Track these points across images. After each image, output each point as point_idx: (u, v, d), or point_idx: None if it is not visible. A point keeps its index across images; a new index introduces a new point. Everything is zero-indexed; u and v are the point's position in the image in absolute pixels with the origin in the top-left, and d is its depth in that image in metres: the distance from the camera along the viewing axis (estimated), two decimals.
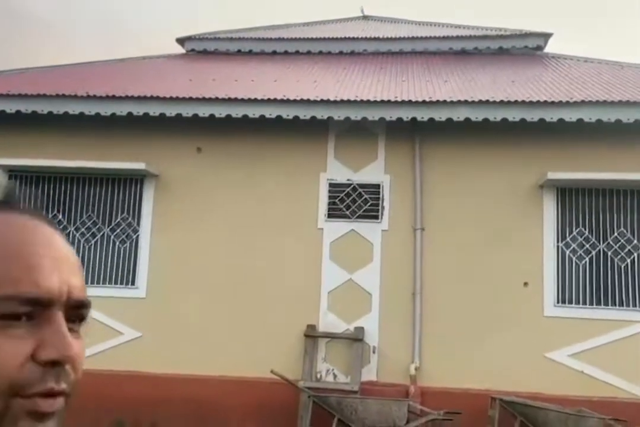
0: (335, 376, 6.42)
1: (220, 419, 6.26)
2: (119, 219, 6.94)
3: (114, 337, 6.65)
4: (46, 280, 0.61)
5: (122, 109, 6.61)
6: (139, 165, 6.69)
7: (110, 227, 6.93)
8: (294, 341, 6.43)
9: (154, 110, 6.57)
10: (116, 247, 6.89)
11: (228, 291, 6.64)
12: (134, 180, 6.95)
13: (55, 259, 0.63)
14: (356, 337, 6.40)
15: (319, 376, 6.44)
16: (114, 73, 8.44)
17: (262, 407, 6.17)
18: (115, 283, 6.80)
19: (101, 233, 6.92)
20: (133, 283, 6.78)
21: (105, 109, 6.64)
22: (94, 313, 6.74)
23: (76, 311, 0.64)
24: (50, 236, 0.65)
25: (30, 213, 0.66)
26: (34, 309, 0.60)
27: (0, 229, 0.63)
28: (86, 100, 6.64)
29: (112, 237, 6.91)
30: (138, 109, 6.58)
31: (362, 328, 6.45)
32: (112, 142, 6.97)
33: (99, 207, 6.96)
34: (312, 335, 6.45)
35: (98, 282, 6.79)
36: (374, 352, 6.45)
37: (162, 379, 6.40)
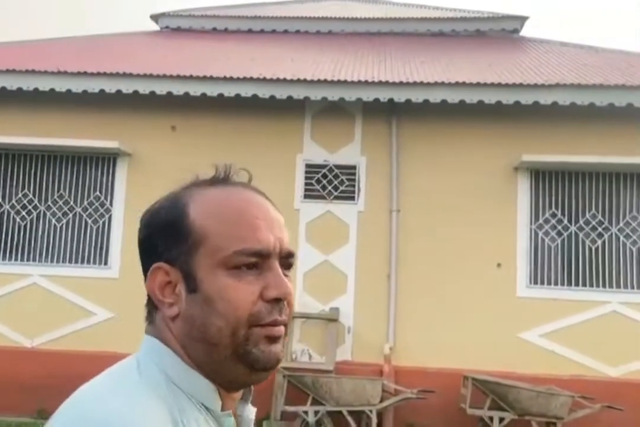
0: (310, 356, 6.45)
1: None
2: (91, 198, 6.82)
3: (87, 318, 6.58)
4: (264, 237, 0.80)
5: (94, 86, 6.47)
6: (112, 144, 6.57)
7: (82, 206, 6.82)
8: None
9: (127, 87, 6.43)
10: (88, 226, 6.78)
11: None
12: (106, 159, 6.83)
13: (268, 221, 0.82)
14: (331, 318, 6.43)
15: (294, 356, 6.46)
16: (85, 49, 8.24)
17: None
18: (88, 263, 6.70)
19: (73, 212, 6.80)
20: (106, 263, 6.70)
21: (77, 86, 6.48)
22: (66, 293, 6.69)
23: (286, 260, 0.83)
24: (262, 202, 0.85)
25: (243, 185, 0.87)
26: (258, 260, 0.79)
27: (225, 199, 0.83)
28: (57, 76, 6.48)
29: (84, 216, 6.80)
30: (110, 86, 6.44)
31: (338, 309, 6.47)
32: (84, 120, 6.83)
33: (70, 185, 6.83)
34: None
35: (70, 262, 6.69)
36: (348, 332, 6.49)
37: None
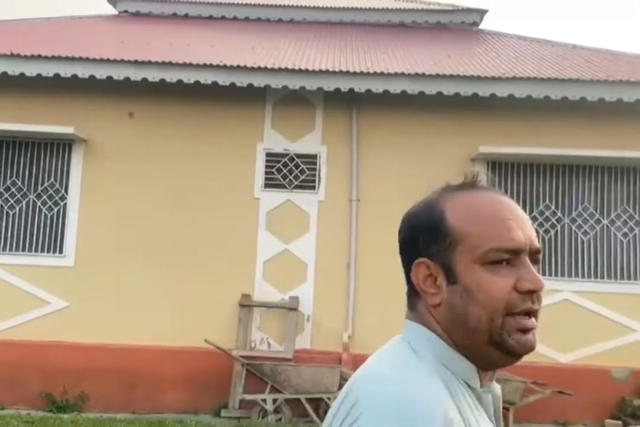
0: (269, 345, 6.47)
1: (151, 389, 6.21)
2: (45, 185, 6.66)
3: (40, 307, 6.45)
4: (516, 236, 0.89)
5: (48, 70, 6.30)
6: (67, 129, 6.41)
7: (36, 193, 6.65)
8: (228, 310, 6.42)
9: (83, 72, 6.29)
10: (42, 214, 6.63)
11: (161, 260, 6.53)
12: (61, 145, 6.67)
13: (519, 220, 0.91)
14: (291, 307, 6.45)
15: (253, 344, 6.47)
16: (40, 32, 8.01)
17: (195, 377, 6.15)
18: (42, 251, 6.56)
19: (26, 199, 6.64)
20: (61, 251, 6.56)
21: (31, 69, 6.30)
22: (19, 282, 6.52)
23: (535, 256, 0.91)
24: (511, 204, 0.94)
25: (490, 189, 0.97)
26: (511, 256, 0.88)
27: (478, 202, 0.93)
28: (10, 60, 6.28)
29: (39, 203, 6.64)
30: (66, 70, 6.29)
31: (297, 297, 6.50)
32: (38, 105, 6.65)
33: (24, 172, 6.65)
34: (246, 304, 6.45)
35: (23, 250, 6.53)
36: (308, 321, 6.52)
37: (92, 349, 6.27)
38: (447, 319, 0.92)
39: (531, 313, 0.90)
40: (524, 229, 0.91)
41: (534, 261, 0.91)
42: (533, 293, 0.89)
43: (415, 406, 0.80)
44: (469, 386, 0.91)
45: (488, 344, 0.89)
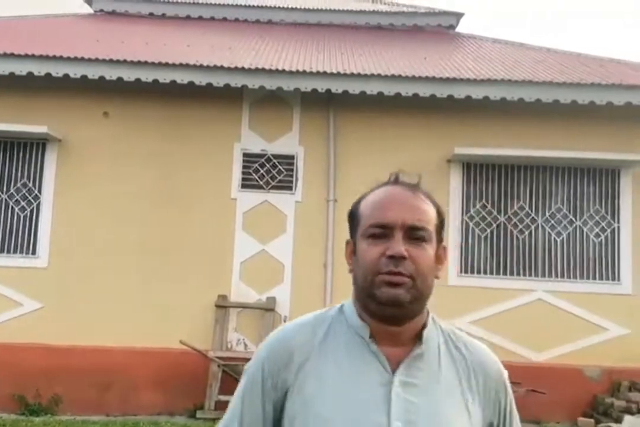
0: (246, 346, 6.45)
1: (126, 391, 6.15)
2: (18, 185, 6.57)
3: (13, 309, 6.35)
4: (388, 215, 1.14)
5: (21, 68, 6.22)
6: (41, 129, 6.33)
7: (9, 193, 6.55)
8: (204, 311, 6.38)
9: (57, 70, 6.22)
10: (15, 214, 6.53)
11: (136, 261, 6.48)
12: (35, 144, 6.58)
13: (397, 204, 1.15)
14: (268, 307, 6.44)
15: (229, 345, 6.44)
16: (13, 30, 7.90)
17: (170, 378, 6.11)
18: (15, 252, 6.46)
19: None
20: (34, 252, 6.47)
21: (3, 68, 6.23)
22: None
23: (412, 232, 1.13)
24: (399, 193, 1.18)
25: (398, 184, 1.21)
26: (385, 231, 1.13)
27: (377, 194, 1.19)
28: None
29: (11, 204, 6.54)
30: (39, 69, 6.21)
31: (274, 298, 6.49)
32: (11, 104, 6.56)
33: None
34: (223, 305, 6.42)
35: None
36: (284, 321, 6.50)
37: (65, 350, 6.19)
38: (353, 282, 1.19)
39: (396, 273, 1.11)
40: (399, 210, 1.14)
41: (414, 237, 1.13)
42: (394, 258, 1.11)
43: (266, 338, 1.24)
44: (361, 336, 1.16)
45: (367, 296, 1.14)
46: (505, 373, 1.22)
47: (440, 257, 1.19)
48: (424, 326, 1.17)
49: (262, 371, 1.19)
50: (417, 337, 1.16)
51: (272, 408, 1.17)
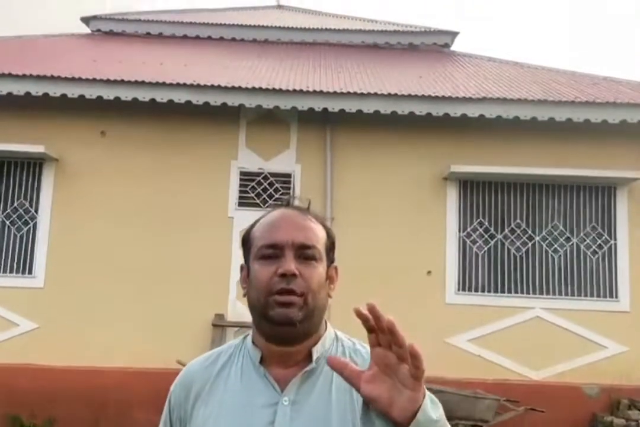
0: None
1: (122, 411, 6.09)
2: (15, 205, 6.56)
3: (8, 329, 6.31)
4: (277, 236, 1.17)
5: (19, 88, 6.25)
6: (38, 148, 6.34)
7: (5, 213, 6.54)
8: (201, 330, 6.35)
9: (55, 90, 6.24)
10: (12, 234, 6.51)
11: (133, 281, 6.45)
12: (32, 164, 6.59)
13: (286, 225, 1.18)
14: None
15: None
16: (11, 50, 7.95)
17: (166, 398, 6.04)
18: (11, 272, 6.43)
19: None
20: (30, 272, 6.44)
21: (1, 88, 6.25)
22: None
23: (301, 251, 1.17)
24: (289, 215, 1.21)
25: (293, 207, 1.24)
26: (275, 251, 1.16)
27: (270, 216, 1.22)
28: None
29: (8, 223, 6.53)
30: (37, 89, 6.24)
31: None
32: (8, 123, 6.58)
33: None
34: (220, 324, 6.39)
35: None
36: None
37: (61, 371, 6.13)
38: (249, 305, 1.20)
39: (288, 291, 1.13)
40: (289, 230, 1.17)
41: (304, 256, 1.17)
42: (286, 276, 1.13)
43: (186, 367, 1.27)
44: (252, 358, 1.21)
45: (261, 317, 1.16)
46: None
47: (332, 277, 1.25)
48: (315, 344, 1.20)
49: (169, 403, 1.27)
50: (309, 356, 1.19)
51: None
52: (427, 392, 1.04)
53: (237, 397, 1.18)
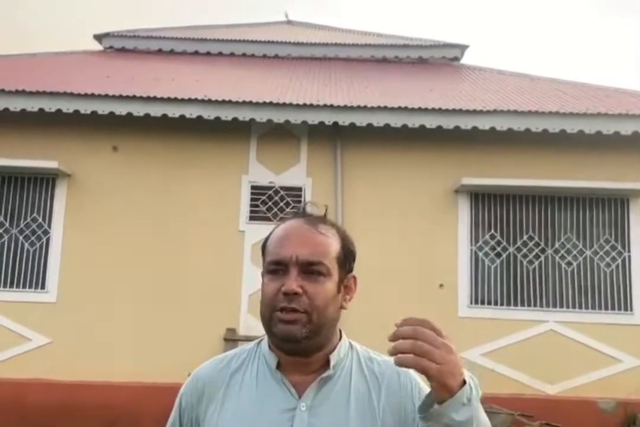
0: None
1: (134, 426, 6.07)
2: (28, 220, 6.61)
3: (21, 344, 6.32)
4: (282, 252, 1.16)
5: (33, 105, 6.33)
6: (51, 164, 6.40)
7: (19, 228, 6.60)
8: (213, 344, 6.33)
9: (68, 106, 6.32)
10: (25, 249, 6.56)
11: (145, 295, 6.46)
12: (45, 180, 6.65)
13: (293, 240, 1.17)
14: None
15: None
16: (25, 67, 8.07)
17: None
18: (24, 287, 6.46)
19: (9, 234, 6.57)
20: (43, 287, 6.47)
21: (15, 104, 6.33)
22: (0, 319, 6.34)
23: (307, 267, 1.15)
24: (298, 227, 1.19)
25: (303, 217, 1.22)
26: (281, 267, 1.16)
27: (281, 229, 1.21)
28: None
29: (21, 238, 6.58)
30: (50, 105, 6.32)
31: None
32: (22, 139, 6.65)
33: (6, 207, 6.61)
34: (231, 338, 6.37)
35: (5, 286, 6.44)
36: None
37: (73, 386, 6.13)
38: (260, 316, 1.20)
39: (290, 310, 1.13)
40: (293, 246, 1.16)
41: (309, 272, 1.15)
42: (288, 295, 1.13)
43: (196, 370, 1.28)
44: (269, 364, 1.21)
45: (269, 332, 1.17)
46: (413, 383, 1.21)
47: (349, 287, 1.23)
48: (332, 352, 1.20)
49: (180, 406, 1.26)
50: (327, 364, 1.19)
51: None
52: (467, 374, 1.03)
53: (254, 401, 1.17)
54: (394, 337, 1.01)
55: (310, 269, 1.15)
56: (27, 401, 6.05)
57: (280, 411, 1.15)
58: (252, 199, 6.72)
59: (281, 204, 6.73)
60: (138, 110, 6.34)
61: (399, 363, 0.98)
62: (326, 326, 1.16)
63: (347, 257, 1.23)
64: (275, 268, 1.16)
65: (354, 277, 1.25)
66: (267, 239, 1.23)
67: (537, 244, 6.68)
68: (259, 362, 1.22)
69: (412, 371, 1.18)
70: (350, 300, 1.24)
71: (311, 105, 6.45)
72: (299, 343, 1.13)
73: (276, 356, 1.20)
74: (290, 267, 1.15)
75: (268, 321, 1.16)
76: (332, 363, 1.19)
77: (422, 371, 0.99)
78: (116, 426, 6.09)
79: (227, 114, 6.38)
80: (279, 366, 1.19)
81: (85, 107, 6.32)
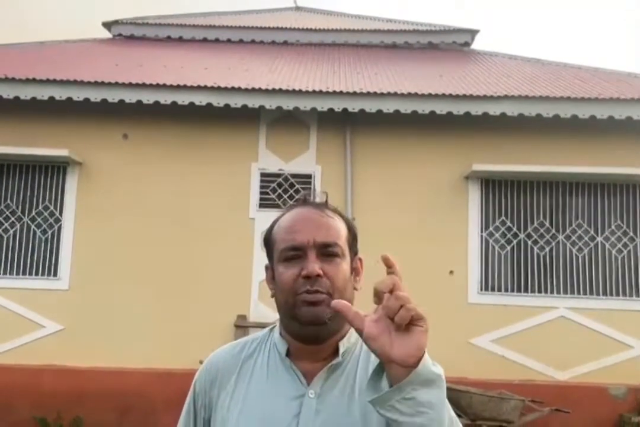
0: None
1: (147, 413, 6.14)
2: (39, 208, 6.65)
3: (35, 331, 6.40)
4: (298, 237, 1.16)
5: (43, 93, 6.34)
6: (62, 152, 6.43)
7: (31, 216, 6.64)
8: (224, 331, 6.38)
9: (78, 94, 6.32)
10: (37, 237, 6.61)
11: (156, 282, 6.51)
12: (56, 168, 6.68)
13: (306, 225, 1.18)
14: None
15: None
16: (35, 56, 8.07)
17: None
18: (37, 275, 6.52)
19: (21, 222, 6.63)
20: (55, 274, 6.53)
21: (26, 93, 6.34)
22: (13, 306, 6.45)
23: (324, 249, 1.17)
24: (308, 214, 1.20)
25: (308, 205, 1.23)
26: (298, 253, 1.16)
27: (288, 217, 1.21)
28: (4, 83, 6.32)
29: (33, 226, 6.63)
30: (61, 93, 6.32)
31: None
32: (33, 128, 6.68)
33: (18, 195, 6.65)
34: (242, 325, 6.41)
35: (17, 274, 6.49)
36: None
37: (86, 372, 6.21)
38: (276, 305, 1.21)
39: (313, 292, 1.13)
40: (308, 230, 1.17)
41: (327, 254, 1.17)
42: (310, 278, 1.13)
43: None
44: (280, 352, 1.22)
45: (290, 318, 1.17)
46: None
47: (357, 269, 1.25)
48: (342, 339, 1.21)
49: (194, 391, 1.29)
50: (336, 351, 1.20)
51: None
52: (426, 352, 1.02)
53: (263, 388, 1.19)
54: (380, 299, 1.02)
55: (327, 251, 1.16)
56: (41, 387, 6.13)
57: (289, 398, 1.17)
58: (261, 187, 6.73)
59: (291, 191, 6.73)
60: (147, 97, 6.34)
61: (400, 318, 0.97)
62: None
63: (354, 240, 1.25)
64: (292, 254, 1.16)
65: (360, 259, 1.27)
66: (271, 228, 1.24)
67: (548, 231, 6.65)
68: (270, 349, 1.24)
69: None
70: (360, 281, 1.26)
71: (320, 92, 6.42)
72: (324, 325, 1.14)
73: (286, 343, 1.21)
74: (308, 251, 1.15)
75: (291, 306, 1.15)
76: (341, 350, 1.20)
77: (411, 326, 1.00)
78: (130, 412, 6.17)
79: (236, 101, 6.37)
80: (288, 353, 1.21)
81: (95, 95, 6.33)
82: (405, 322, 0.97)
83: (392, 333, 0.98)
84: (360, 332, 1.01)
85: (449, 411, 1.05)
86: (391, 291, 0.99)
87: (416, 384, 0.97)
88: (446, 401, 1.03)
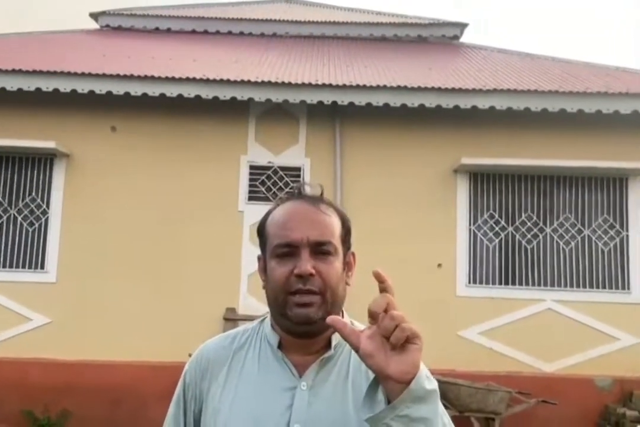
0: None
1: (135, 405, 6.14)
2: (26, 200, 6.60)
3: (22, 324, 6.36)
4: (291, 234, 1.15)
5: (29, 84, 6.27)
6: (49, 144, 6.37)
7: (17, 208, 6.59)
8: (213, 324, 6.37)
9: (65, 86, 6.27)
10: (23, 229, 6.56)
11: (144, 275, 6.48)
12: (43, 160, 6.63)
13: (300, 222, 1.16)
14: None
15: None
16: (21, 47, 7.98)
17: None
18: (23, 267, 6.48)
19: (7, 215, 6.57)
20: (42, 267, 6.49)
21: (12, 84, 6.27)
22: (0, 299, 6.38)
23: (318, 248, 1.15)
24: (302, 210, 1.18)
25: (304, 198, 1.21)
26: (291, 250, 1.15)
27: (282, 211, 1.20)
28: None
29: (20, 219, 6.57)
30: (47, 85, 6.26)
31: None
32: (19, 119, 6.61)
33: (4, 187, 6.59)
34: (231, 318, 6.41)
35: (4, 267, 6.45)
36: None
37: (74, 365, 6.19)
38: (267, 299, 1.20)
39: (305, 291, 1.13)
40: (302, 228, 1.15)
41: (321, 252, 1.16)
42: (302, 277, 1.13)
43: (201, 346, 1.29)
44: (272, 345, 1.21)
45: (280, 315, 1.17)
46: None
47: (349, 264, 1.24)
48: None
49: (184, 383, 1.27)
50: (329, 344, 1.20)
51: (193, 420, 1.25)
52: (424, 366, 1.02)
53: (255, 380, 1.19)
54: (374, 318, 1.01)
55: (320, 250, 1.16)
56: (29, 381, 6.11)
57: (281, 389, 1.17)
58: (250, 180, 6.71)
59: (280, 184, 6.72)
60: (136, 89, 6.30)
61: (395, 339, 0.97)
62: (337, 304, 1.18)
63: (347, 235, 1.24)
64: (286, 251, 1.15)
65: (353, 254, 1.26)
66: (264, 222, 1.23)
67: (535, 224, 6.69)
68: (261, 341, 1.24)
69: None
70: (352, 276, 1.25)
71: (310, 85, 6.40)
72: (314, 324, 1.14)
73: (278, 335, 1.21)
74: (301, 249, 1.14)
75: (281, 304, 1.15)
76: (333, 343, 1.20)
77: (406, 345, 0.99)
78: (119, 405, 6.16)
79: (225, 94, 6.34)
80: (280, 346, 1.21)
81: (83, 87, 6.28)
82: (400, 343, 0.97)
83: (387, 351, 0.99)
84: (356, 348, 1.01)
85: (443, 418, 1.06)
86: (385, 311, 0.98)
87: (409, 402, 0.98)
88: (440, 409, 1.04)
